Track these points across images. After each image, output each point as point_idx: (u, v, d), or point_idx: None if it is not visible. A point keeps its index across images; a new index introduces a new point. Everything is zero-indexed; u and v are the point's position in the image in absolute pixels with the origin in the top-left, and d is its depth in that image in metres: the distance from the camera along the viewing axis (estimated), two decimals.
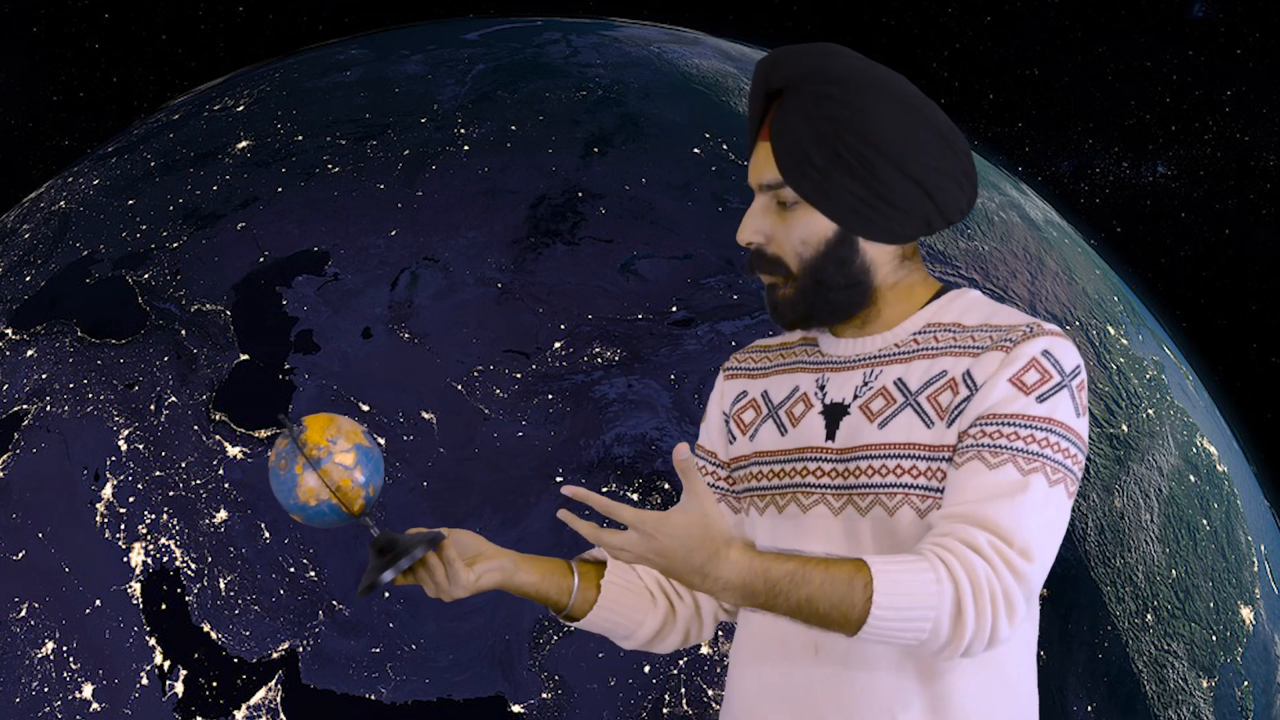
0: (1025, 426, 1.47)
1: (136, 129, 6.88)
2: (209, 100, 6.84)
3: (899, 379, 1.57)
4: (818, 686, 1.56)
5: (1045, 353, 1.51)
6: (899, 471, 1.53)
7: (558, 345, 4.90)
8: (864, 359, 1.61)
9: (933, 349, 1.57)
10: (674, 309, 5.15)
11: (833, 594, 1.40)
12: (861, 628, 1.40)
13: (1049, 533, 1.46)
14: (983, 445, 1.48)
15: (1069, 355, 1.52)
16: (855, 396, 1.59)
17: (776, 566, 1.41)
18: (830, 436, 1.58)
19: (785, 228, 1.57)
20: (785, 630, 1.58)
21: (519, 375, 4.80)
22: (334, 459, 1.53)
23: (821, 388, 1.62)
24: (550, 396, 4.77)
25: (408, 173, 5.51)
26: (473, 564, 1.61)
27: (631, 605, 1.72)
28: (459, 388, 4.76)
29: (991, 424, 1.48)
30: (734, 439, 1.71)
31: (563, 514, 1.44)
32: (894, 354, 1.59)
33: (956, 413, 1.51)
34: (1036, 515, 1.45)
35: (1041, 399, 1.48)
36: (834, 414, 1.60)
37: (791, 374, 1.67)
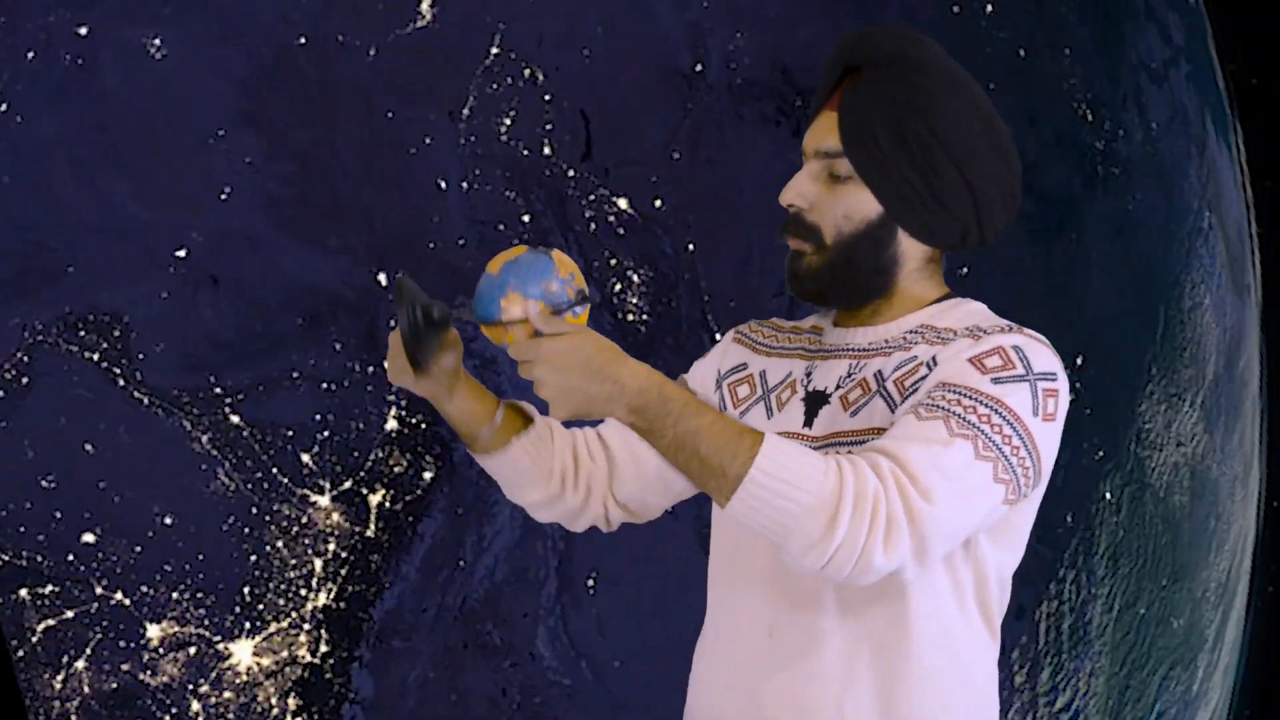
0: (969, 397, 1.42)
1: None
2: None
3: (879, 371, 1.56)
4: (768, 675, 1.56)
5: (1015, 347, 1.47)
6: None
7: None
8: (853, 350, 1.61)
9: (914, 343, 1.56)
10: None
11: (719, 437, 1.39)
12: (737, 487, 1.37)
13: (958, 496, 1.39)
14: (920, 405, 1.44)
15: (1043, 358, 1.48)
16: (838, 387, 1.58)
17: (673, 389, 1.42)
18: (808, 423, 1.58)
19: (831, 199, 1.56)
20: (740, 619, 1.59)
21: None
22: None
23: (808, 374, 1.62)
24: None
25: None
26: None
27: (527, 472, 1.71)
28: None
29: (937, 390, 1.45)
30: (724, 408, 1.71)
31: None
32: (881, 348, 1.58)
33: (913, 390, 1.49)
34: (950, 472, 1.38)
35: (997, 381, 1.44)
36: (814, 401, 1.59)
37: (789, 359, 1.68)
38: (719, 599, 1.67)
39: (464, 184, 4.08)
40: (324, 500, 3.95)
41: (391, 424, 4.02)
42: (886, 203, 1.55)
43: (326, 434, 3.94)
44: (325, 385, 3.92)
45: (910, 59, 1.54)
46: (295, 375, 3.90)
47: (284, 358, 3.90)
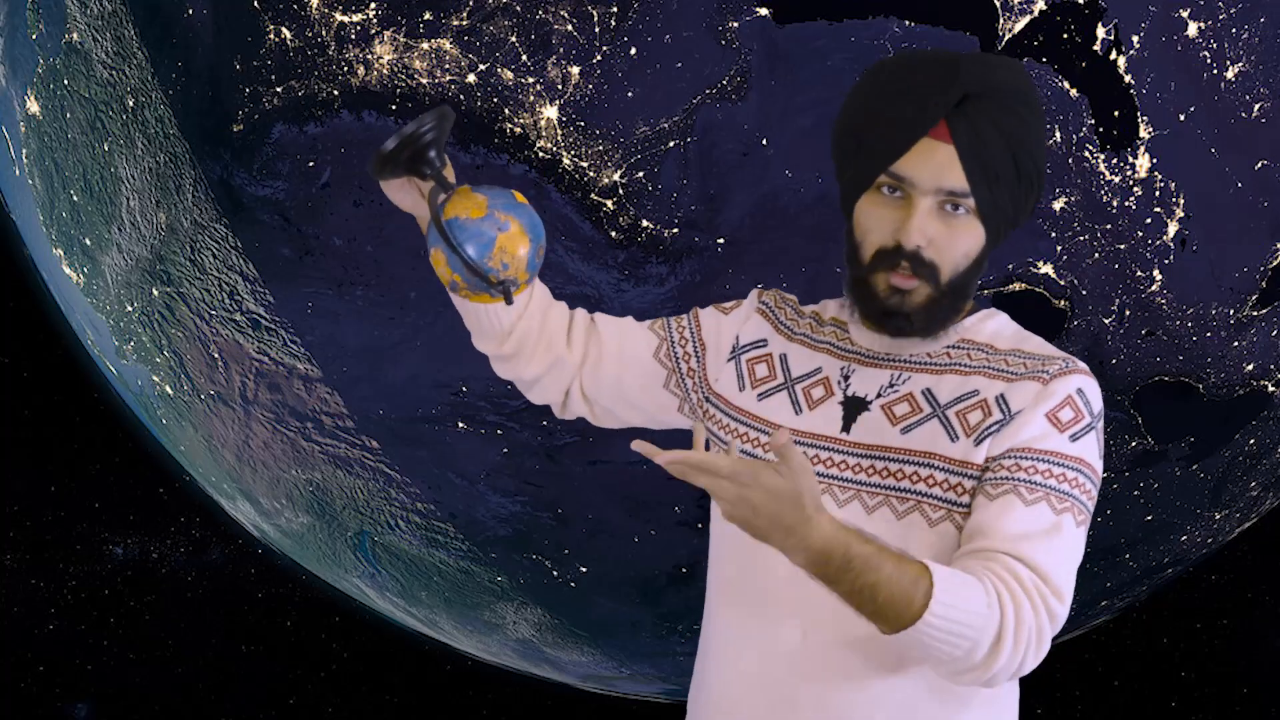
0: (1059, 465, 1.50)
1: None
2: None
3: (927, 389, 1.57)
4: (802, 679, 1.56)
5: (1079, 391, 1.53)
6: (915, 479, 1.53)
7: None
8: (894, 360, 1.60)
9: (965, 366, 1.57)
10: None
11: (896, 587, 1.39)
12: (908, 629, 1.39)
13: (1073, 571, 1.50)
14: (1019, 480, 1.50)
15: (1097, 397, 1.56)
16: (879, 395, 1.58)
17: (857, 545, 1.39)
18: (845, 429, 1.58)
19: (950, 235, 1.52)
20: (767, 622, 1.59)
21: None
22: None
23: (845, 377, 1.61)
24: None
25: None
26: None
27: (477, 326, 1.74)
28: None
29: (1027, 459, 1.50)
30: (742, 385, 1.69)
31: (639, 445, 1.40)
32: (925, 363, 1.59)
33: (987, 434, 1.52)
34: (1066, 556, 1.49)
35: (1074, 438, 1.52)
36: (853, 407, 1.58)
37: (815, 352, 1.65)
38: (737, 600, 1.65)
39: None
40: None
41: None
42: (992, 232, 1.55)
43: None
44: None
45: (1016, 88, 1.53)
46: None
47: None
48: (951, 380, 1.56)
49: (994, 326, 1.61)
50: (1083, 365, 1.56)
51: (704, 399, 1.74)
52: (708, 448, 1.75)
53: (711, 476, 1.35)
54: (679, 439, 1.55)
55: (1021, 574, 1.44)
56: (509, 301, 1.53)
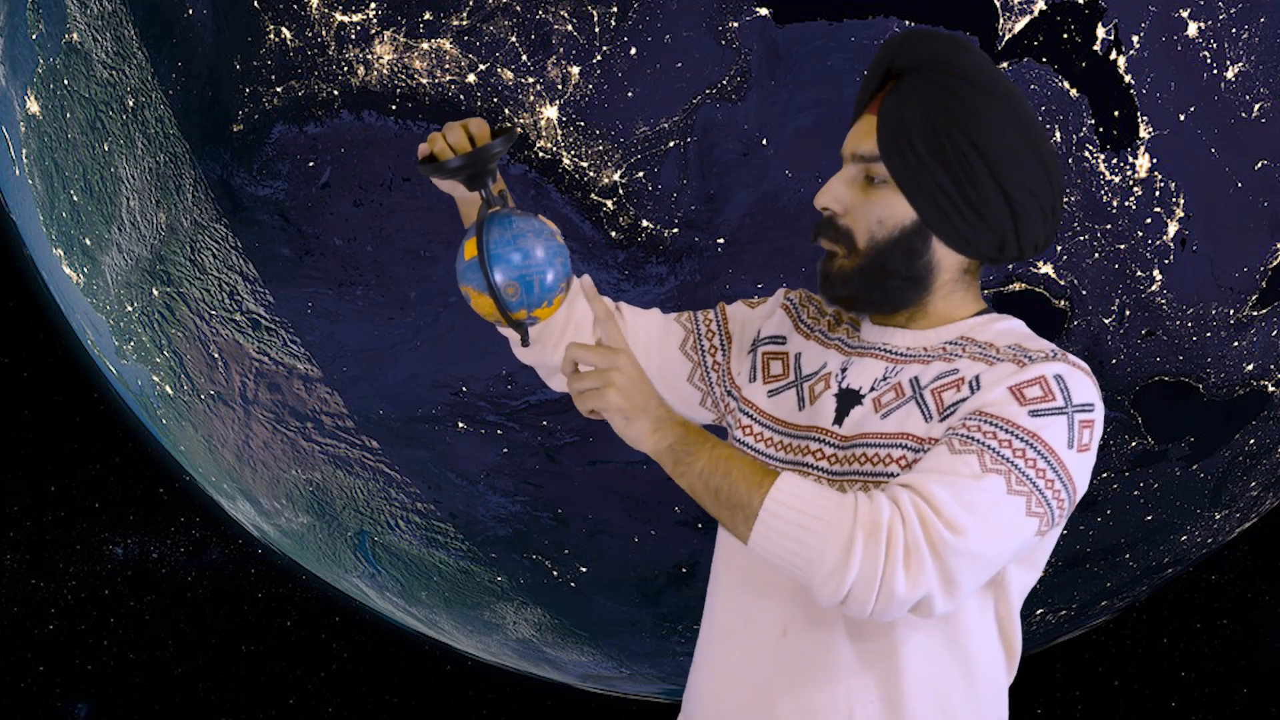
0: (1006, 431, 1.43)
1: None
2: None
3: (915, 377, 1.56)
4: (779, 674, 1.57)
5: (1057, 376, 1.46)
6: (888, 460, 1.52)
7: None
8: (890, 352, 1.61)
9: (955, 356, 1.56)
10: None
11: (741, 472, 1.43)
12: (754, 521, 1.41)
13: (988, 530, 1.39)
14: (956, 433, 1.45)
15: (1083, 389, 1.47)
16: (872, 389, 1.58)
17: (707, 433, 1.47)
18: (838, 421, 1.59)
19: (866, 203, 1.55)
20: (752, 618, 1.60)
21: None
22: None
23: (844, 371, 1.62)
24: None
25: None
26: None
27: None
28: None
29: (974, 419, 1.45)
30: (754, 377, 1.71)
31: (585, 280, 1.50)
32: (920, 355, 1.58)
33: (951, 409, 1.49)
34: (978, 507, 1.39)
35: (1034, 414, 1.43)
36: (847, 400, 1.59)
37: (825, 348, 1.67)
38: (728, 597, 1.66)
39: None
40: None
41: None
42: (921, 210, 1.53)
43: None
44: None
45: (953, 65, 1.52)
46: None
47: None
48: (938, 366, 1.55)
49: (1001, 328, 1.58)
50: (1078, 361, 1.51)
51: (726, 392, 1.76)
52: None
53: (585, 351, 1.48)
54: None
55: (899, 494, 1.39)
56: (525, 342, 1.56)
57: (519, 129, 1.61)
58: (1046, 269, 3.81)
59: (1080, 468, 1.46)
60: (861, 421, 1.56)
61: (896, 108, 1.52)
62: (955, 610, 1.50)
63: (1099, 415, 1.48)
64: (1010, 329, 1.58)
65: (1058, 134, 3.67)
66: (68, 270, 4.77)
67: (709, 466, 1.44)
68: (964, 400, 1.49)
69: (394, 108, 3.79)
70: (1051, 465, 1.42)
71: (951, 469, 1.40)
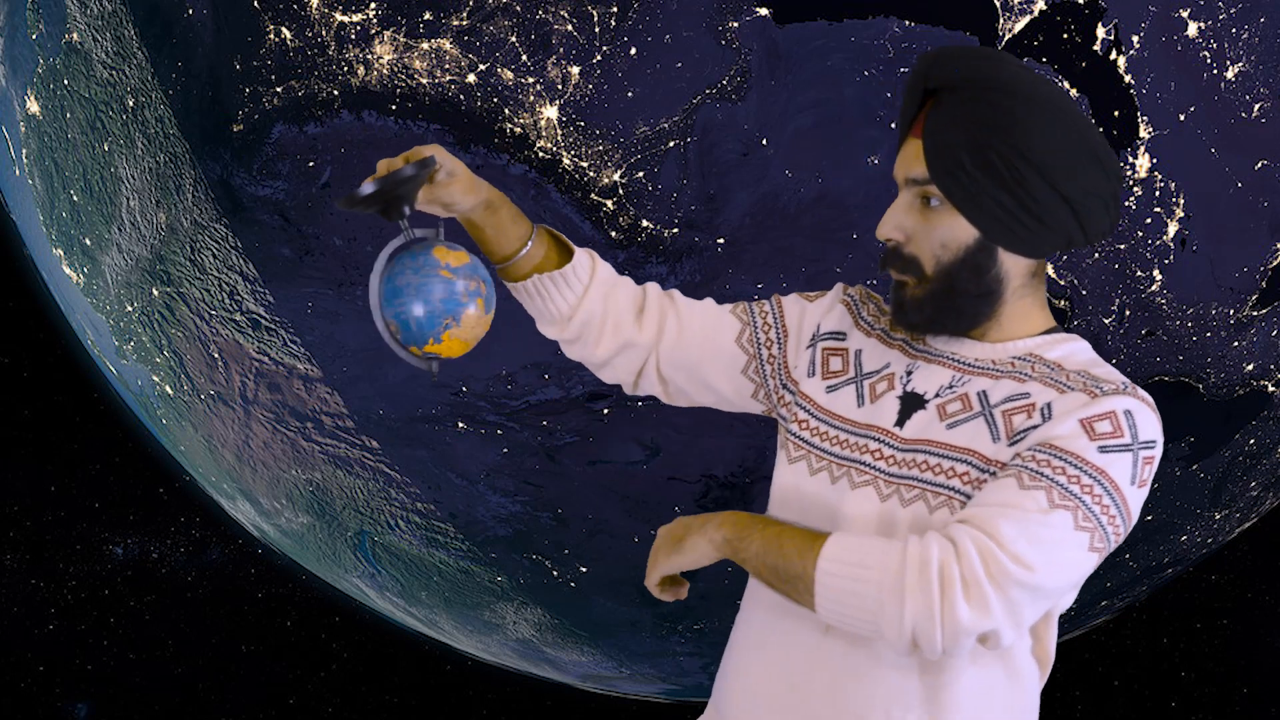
0: (1075, 467, 1.45)
1: None
2: None
3: (982, 391, 1.57)
4: (818, 673, 1.58)
5: (1127, 412, 1.48)
6: (950, 474, 1.53)
7: None
8: (958, 361, 1.61)
9: (1025, 375, 1.56)
10: None
11: (793, 544, 1.48)
12: (814, 585, 1.45)
13: (1053, 563, 1.42)
14: (1026, 467, 1.46)
15: (1150, 426, 1.49)
16: (937, 395, 1.59)
17: (759, 521, 1.52)
18: (900, 423, 1.59)
19: (927, 228, 1.55)
20: (792, 615, 1.60)
21: None
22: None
23: (909, 374, 1.63)
24: None
25: None
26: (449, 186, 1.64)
27: (538, 311, 1.75)
28: None
29: (1043, 452, 1.46)
30: (813, 372, 1.71)
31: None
32: (988, 369, 1.59)
33: (1021, 435, 1.51)
34: (1045, 541, 1.41)
35: (1103, 450, 1.45)
36: (910, 403, 1.60)
37: (888, 349, 1.68)
38: (769, 595, 1.66)
39: None
40: None
41: None
42: (982, 227, 1.54)
43: None
44: None
45: (989, 78, 1.53)
46: None
47: None
48: (1008, 384, 1.56)
49: (1067, 349, 1.59)
50: (1145, 396, 1.52)
51: (781, 385, 1.76)
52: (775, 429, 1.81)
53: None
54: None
55: (955, 530, 1.41)
56: (435, 375, 1.57)
57: (434, 159, 1.59)
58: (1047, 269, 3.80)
59: (1138, 503, 1.48)
60: (924, 427, 1.57)
61: (939, 129, 1.53)
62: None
63: (1159, 453, 1.50)
64: (1078, 351, 1.59)
65: None
66: (68, 270, 4.77)
67: (763, 547, 1.49)
68: (1034, 428, 1.50)
69: (394, 108, 3.79)
70: (1115, 501, 1.45)
71: (1019, 504, 1.42)
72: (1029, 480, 1.44)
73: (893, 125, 3.73)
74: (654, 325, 1.77)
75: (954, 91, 1.53)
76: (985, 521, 1.41)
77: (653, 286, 1.80)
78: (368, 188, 1.54)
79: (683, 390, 1.81)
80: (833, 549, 1.44)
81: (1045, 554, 1.40)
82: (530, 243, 1.70)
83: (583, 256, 1.73)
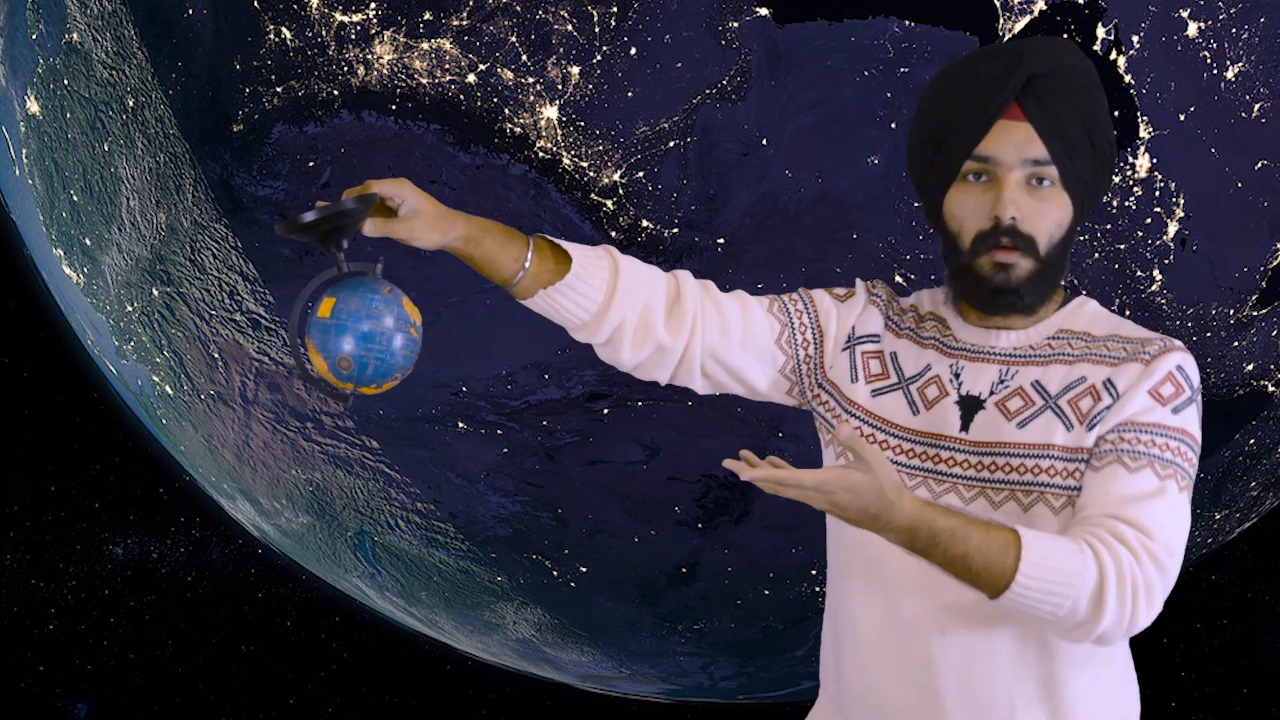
0: (1161, 435, 1.58)
1: None
2: None
3: (1036, 381, 1.64)
4: (940, 668, 1.65)
5: (1179, 368, 1.61)
6: (1036, 470, 1.61)
7: None
8: (999, 355, 1.67)
9: (1068, 355, 1.65)
10: None
11: (986, 555, 1.49)
12: (1005, 592, 1.49)
13: (1182, 533, 1.57)
14: (1123, 451, 1.57)
15: (1195, 371, 1.63)
16: (991, 393, 1.65)
17: (942, 520, 1.49)
18: (964, 428, 1.65)
19: (1041, 207, 1.62)
20: (911, 612, 1.66)
21: None
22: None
23: (956, 375, 1.68)
24: None
25: None
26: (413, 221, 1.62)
27: (560, 320, 1.75)
28: None
29: (1130, 430, 1.58)
30: (855, 377, 1.74)
31: (730, 463, 1.48)
32: (1029, 355, 1.66)
33: (1097, 418, 1.60)
34: (1172, 516, 1.55)
35: (1176, 411, 1.59)
36: (969, 406, 1.66)
37: (923, 349, 1.72)
38: (869, 601, 1.72)
39: None
40: None
41: None
42: (1079, 203, 1.64)
43: None
44: None
45: (1080, 66, 1.63)
46: None
47: None
48: (1058, 370, 1.63)
49: (1088, 315, 1.68)
50: (1178, 343, 1.63)
51: (816, 384, 1.79)
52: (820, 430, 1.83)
53: (799, 489, 1.46)
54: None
55: (1124, 532, 1.52)
56: (346, 407, 1.57)
57: (375, 196, 1.59)
58: None
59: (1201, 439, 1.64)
60: (992, 429, 1.64)
61: (1052, 113, 1.60)
62: None
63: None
64: (1095, 314, 1.69)
65: None
66: (68, 270, 4.77)
67: (945, 563, 1.51)
68: (1106, 408, 1.60)
69: (394, 108, 3.79)
70: (1192, 447, 1.60)
71: (1139, 490, 1.55)
72: (1131, 463, 1.56)
73: (893, 125, 3.72)
74: (687, 326, 1.77)
75: (1055, 79, 1.61)
76: (1135, 519, 1.53)
77: (686, 280, 1.81)
78: (308, 216, 1.54)
79: (720, 384, 1.83)
80: (1031, 567, 1.49)
81: (1180, 531, 1.56)
82: (528, 262, 1.69)
83: (595, 259, 1.73)
